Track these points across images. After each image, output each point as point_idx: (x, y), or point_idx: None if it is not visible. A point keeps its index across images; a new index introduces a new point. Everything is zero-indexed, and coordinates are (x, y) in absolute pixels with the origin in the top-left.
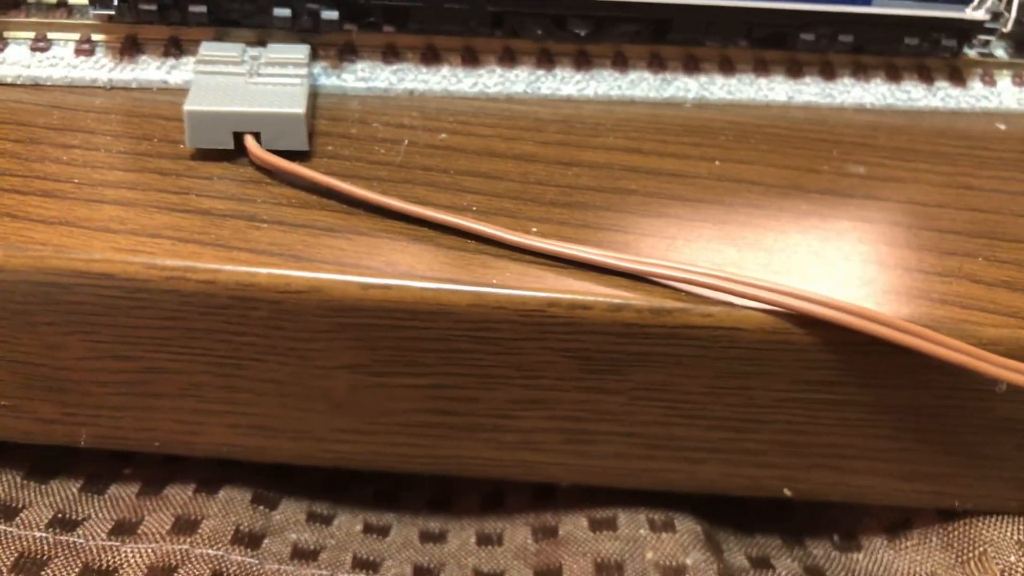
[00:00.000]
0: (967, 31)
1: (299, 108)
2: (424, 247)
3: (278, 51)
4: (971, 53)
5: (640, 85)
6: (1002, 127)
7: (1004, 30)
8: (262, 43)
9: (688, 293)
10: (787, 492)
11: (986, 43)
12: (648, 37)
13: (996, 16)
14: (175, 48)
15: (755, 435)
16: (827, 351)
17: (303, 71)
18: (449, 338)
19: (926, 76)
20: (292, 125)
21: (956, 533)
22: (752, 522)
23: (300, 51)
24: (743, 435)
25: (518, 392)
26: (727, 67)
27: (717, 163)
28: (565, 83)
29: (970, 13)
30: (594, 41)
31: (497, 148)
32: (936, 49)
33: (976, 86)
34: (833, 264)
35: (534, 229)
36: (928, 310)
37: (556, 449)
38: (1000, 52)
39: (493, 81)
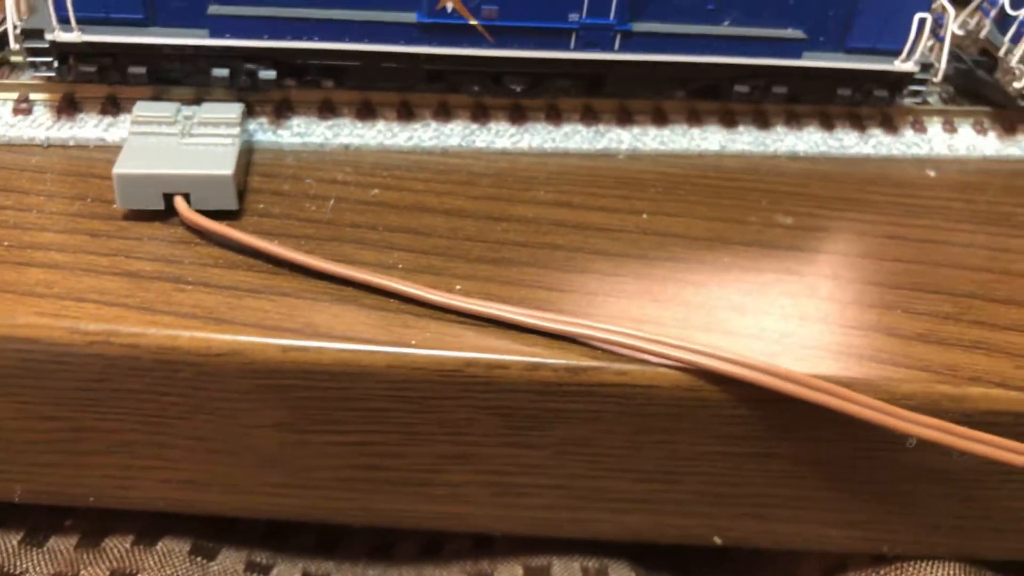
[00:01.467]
0: (899, 82)
1: (227, 169)
2: (346, 307)
3: (211, 111)
4: (905, 101)
5: (574, 137)
6: (932, 174)
7: (935, 80)
8: (199, 101)
9: (604, 351)
10: (717, 540)
11: (917, 93)
12: (583, 91)
13: (926, 67)
14: (113, 106)
15: (680, 486)
16: (742, 407)
17: (235, 130)
18: (370, 397)
19: (858, 124)
20: (221, 186)
21: None
22: (689, 567)
23: (233, 110)
24: (668, 486)
25: (443, 448)
26: (660, 118)
27: (644, 216)
28: (500, 136)
29: (899, 66)
30: (529, 96)
31: (429, 203)
32: (869, 99)
33: (908, 133)
34: (753, 319)
35: (458, 287)
36: (845, 365)
37: (486, 502)
38: (933, 99)
39: (428, 135)
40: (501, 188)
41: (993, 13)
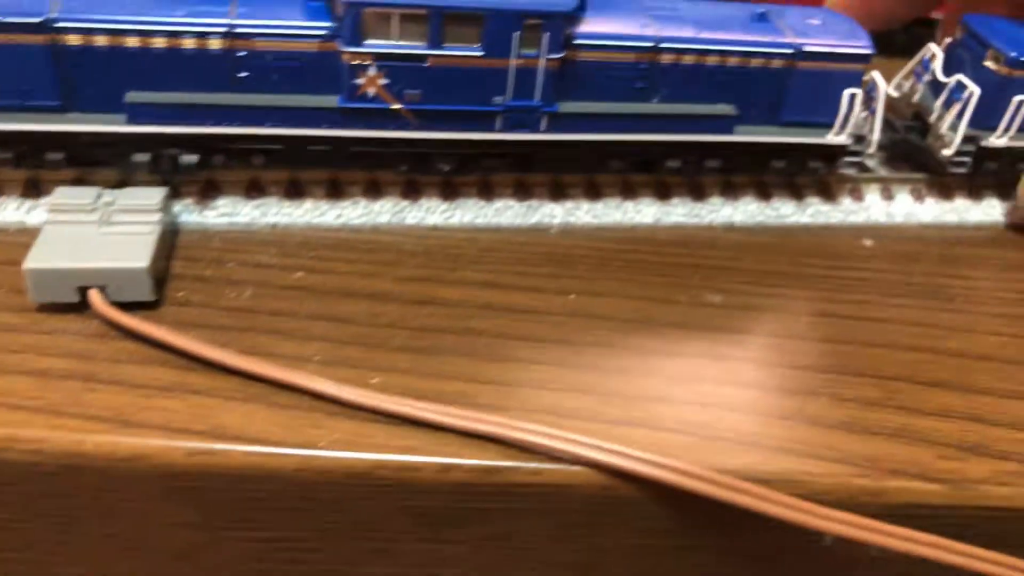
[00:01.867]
0: (833, 153)
1: (142, 262)
2: (257, 406)
3: (132, 197)
4: (840, 172)
5: (506, 213)
6: (868, 243)
7: (869, 151)
8: (124, 183)
9: (519, 449)
10: None
11: (853, 164)
12: (513, 168)
13: (859, 138)
14: (34, 189)
15: None
16: (658, 504)
17: (155, 217)
18: (280, 498)
19: (796, 193)
20: (136, 279)
21: None
22: None
23: (154, 196)
24: None
25: (359, 544)
26: (593, 192)
27: (572, 296)
28: (431, 213)
29: (832, 139)
30: (459, 175)
31: (353, 286)
32: (804, 170)
33: (845, 201)
34: (674, 409)
35: (374, 380)
36: (764, 458)
37: None
38: (873, 162)
39: (357, 213)
40: (429, 268)
41: (926, 77)
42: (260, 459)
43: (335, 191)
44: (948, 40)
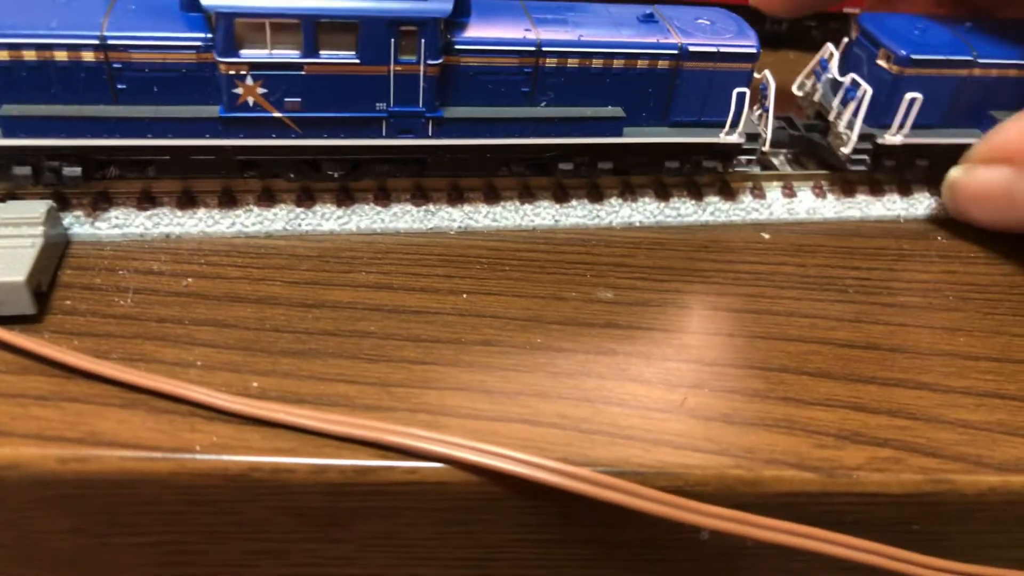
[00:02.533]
0: (728, 152)
1: (20, 276)
2: (135, 412)
3: (13, 210)
4: (736, 170)
5: (404, 217)
6: (766, 236)
7: (763, 149)
8: (10, 196)
9: (392, 451)
10: None
11: (748, 162)
12: (407, 173)
13: (753, 137)
14: None
15: (493, 572)
16: (534, 500)
17: (37, 230)
18: (159, 502)
19: (696, 192)
20: (14, 292)
21: None
22: None
23: (36, 208)
24: (482, 572)
25: (245, 545)
26: (492, 196)
27: (464, 296)
28: (326, 219)
29: (724, 138)
30: (352, 180)
31: (241, 291)
32: (699, 170)
33: (746, 199)
34: (554, 405)
35: (255, 384)
36: (641, 451)
37: None
38: (779, 159)
39: (251, 220)
40: (321, 271)
41: (825, 76)
42: (135, 464)
43: (228, 200)
44: (845, 39)
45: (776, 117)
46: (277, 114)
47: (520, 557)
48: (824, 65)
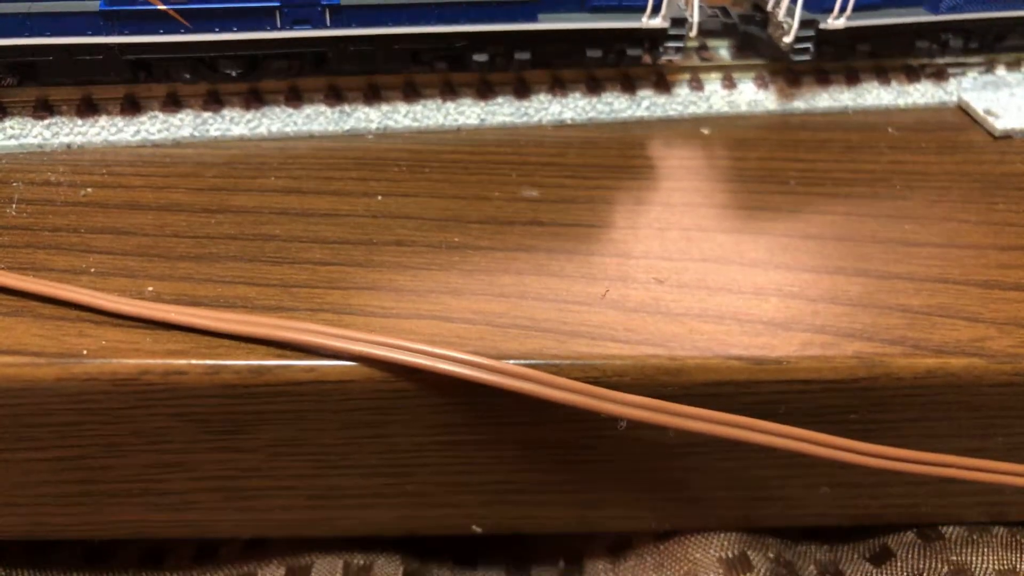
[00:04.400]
0: (653, 39)
1: None
2: (20, 319)
3: None
4: (663, 59)
5: (317, 119)
6: (705, 132)
7: (691, 35)
8: None
9: (290, 349)
10: (476, 528)
11: (677, 50)
12: (306, 71)
13: (679, 22)
14: None
15: (414, 478)
16: (448, 396)
17: None
18: (51, 412)
19: (629, 86)
20: None
21: (667, 552)
22: (471, 555)
23: None
24: (400, 480)
25: (150, 457)
26: (412, 94)
27: (379, 198)
28: (235, 124)
29: (647, 23)
30: (250, 80)
31: (143, 200)
32: (624, 60)
33: (682, 92)
34: (469, 301)
35: (150, 288)
36: (556, 343)
37: (219, 507)
38: (723, 52)
39: (156, 127)
40: (227, 178)
41: None
42: (17, 370)
43: (132, 107)
44: None
45: (710, 7)
46: (162, 6)
47: (439, 462)
48: None
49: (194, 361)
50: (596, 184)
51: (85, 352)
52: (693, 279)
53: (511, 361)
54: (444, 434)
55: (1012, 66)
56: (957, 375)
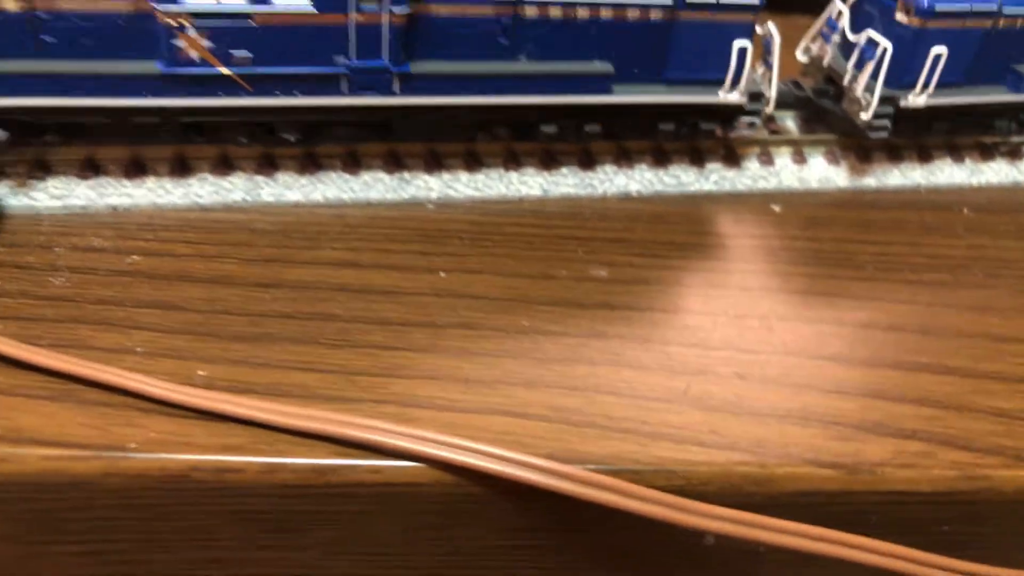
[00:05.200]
0: (728, 114)
1: None
2: (62, 405)
3: None
4: (740, 134)
5: (375, 186)
6: (776, 209)
7: (767, 110)
8: None
9: (354, 447)
10: None
11: (751, 124)
12: (369, 138)
13: (756, 97)
14: None
15: None
16: (520, 501)
17: None
18: (91, 507)
19: (697, 159)
20: None
21: None
22: None
23: None
24: None
25: (194, 553)
26: (474, 162)
27: (442, 274)
28: (289, 188)
29: (724, 97)
30: (305, 146)
31: (192, 270)
32: (697, 133)
33: (752, 166)
34: (543, 395)
35: (201, 372)
36: (637, 447)
37: None
38: (790, 124)
39: (206, 190)
40: (282, 247)
41: (834, 37)
42: (61, 464)
43: (181, 168)
44: None
45: (786, 82)
46: (224, 70)
47: (504, 564)
48: (832, 25)
49: (250, 458)
50: (666, 264)
51: (132, 445)
52: (776, 374)
53: (589, 466)
54: (512, 538)
55: None
56: None
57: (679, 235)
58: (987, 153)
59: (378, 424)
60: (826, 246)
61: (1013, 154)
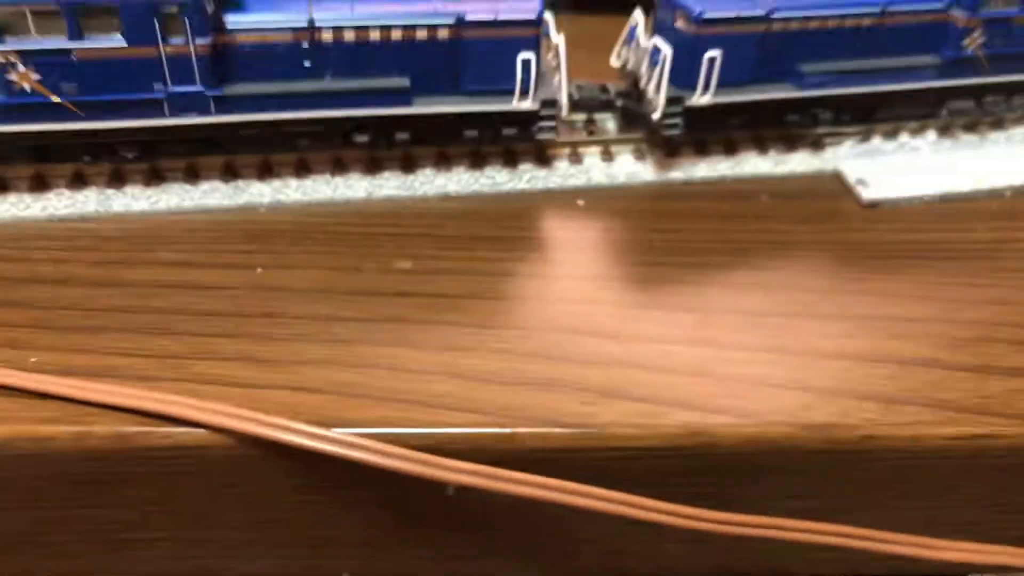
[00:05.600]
0: (525, 120)
1: None
2: None
3: None
4: (538, 137)
5: (213, 195)
6: (581, 203)
7: (563, 115)
8: None
9: (153, 417)
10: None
11: (550, 128)
12: (202, 152)
13: (550, 103)
14: None
15: (282, 531)
16: (292, 461)
17: None
18: None
19: (511, 160)
20: None
21: None
22: None
23: None
24: (272, 532)
25: (32, 514)
26: (303, 169)
27: (259, 271)
28: (136, 199)
29: (517, 105)
30: (144, 162)
31: (41, 273)
32: (498, 138)
33: (562, 165)
34: (320, 371)
35: (33, 360)
36: (399, 413)
37: (103, 556)
38: (610, 126)
39: (63, 203)
40: (124, 251)
41: (634, 45)
42: None
43: (39, 184)
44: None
45: (594, 86)
46: (55, 99)
47: (298, 518)
48: (632, 33)
49: (63, 427)
50: (468, 256)
51: None
52: (535, 348)
53: (352, 430)
54: (298, 494)
55: (889, 135)
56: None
57: (485, 230)
58: (790, 144)
59: (168, 397)
60: (618, 235)
61: (816, 144)
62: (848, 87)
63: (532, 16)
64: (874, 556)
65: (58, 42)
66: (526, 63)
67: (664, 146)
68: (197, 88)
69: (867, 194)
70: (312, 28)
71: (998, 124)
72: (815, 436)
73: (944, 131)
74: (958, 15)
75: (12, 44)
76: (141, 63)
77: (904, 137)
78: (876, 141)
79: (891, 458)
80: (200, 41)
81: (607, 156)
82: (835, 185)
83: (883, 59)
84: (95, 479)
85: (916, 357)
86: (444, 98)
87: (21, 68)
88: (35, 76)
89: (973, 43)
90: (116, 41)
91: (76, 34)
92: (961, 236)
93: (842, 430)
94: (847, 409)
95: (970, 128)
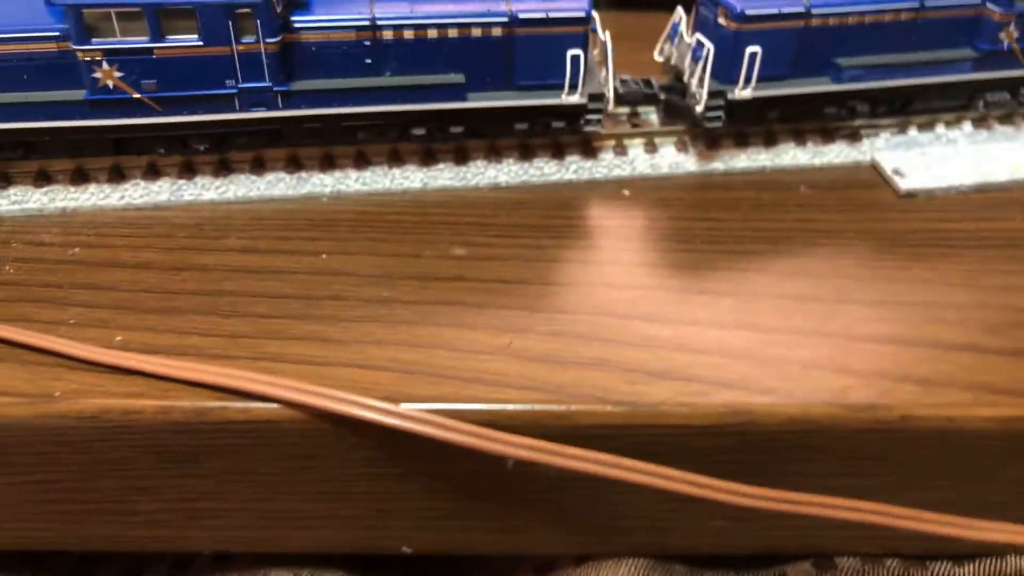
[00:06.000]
0: (575, 113)
1: None
2: (5, 365)
3: None
4: (585, 130)
5: (278, 185)
6: (626, 194)
7: (609, 109)
8: None
9: (229, 392)
10: (406, 549)
11: (596, 122)
12: (267, 145)
13: (597, 97)
14: None
15: (348, 503)
16: (361, 436)
17: None
18: (31, 443)
19: (559, 152)
20: None
21: (582, 574)
22: (416, 570)
23: None
24: (336, 504)
25: (121, 482)
26: (363, 162)
27: (324, 256)
28: (206, 189)
29: (566, 99)
30: (213, 154)
31: (122, 258)
32: (548, 131)
33: (607, 157)
34: (384, 351)
35: (119, 338)
36: (458, 390)
37: (182, 525)
38: (653, 118)
39: (138, 193)
40: (195, 238)
41: (678, 41)
42: (3, 409)
43: (118, 176)
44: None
45: (638, 80)
46: (136, 95)
47: (365, 491)
48: (675, 29)
49: (149, 402)
50: (518, 243)
51: (57, 394)
52: (585, 331)
53: (415, 406)
54: (364, 466)
55: (925, 127)
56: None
57: (534, 219)
58: (828, 136)
59: (245, 374)
60: (663, 224)
61: (853, 136)
62: (885, 80)
63: (582, 14)
64: (914, 535)
65: (141, 41)
66: (575, 59)
67: (706, 138)
68: (265, 84)
69: (904, 184)
70: (373, 27)
71: None
72: (856, 416)
73: (979, 123)
74: (994, 9)
75: (98, 44)
76: (215, 60)
77: (940, 129)
78: (912, 133)
79: (930, 438)
80: (269, 40)
81: (651, 148)
82: (872, 176)
83: (919, 53)
84: (177, 450)
85: (954, 341)
86: (497, 93)
87: (105, 66)
88: (118, 73)
89: (1009, 37)
90: (193, 41)
91: (157, 34)
92: (997, 225)
93: (882, 410)
94: (887, 390)
95: (1005, 119)
